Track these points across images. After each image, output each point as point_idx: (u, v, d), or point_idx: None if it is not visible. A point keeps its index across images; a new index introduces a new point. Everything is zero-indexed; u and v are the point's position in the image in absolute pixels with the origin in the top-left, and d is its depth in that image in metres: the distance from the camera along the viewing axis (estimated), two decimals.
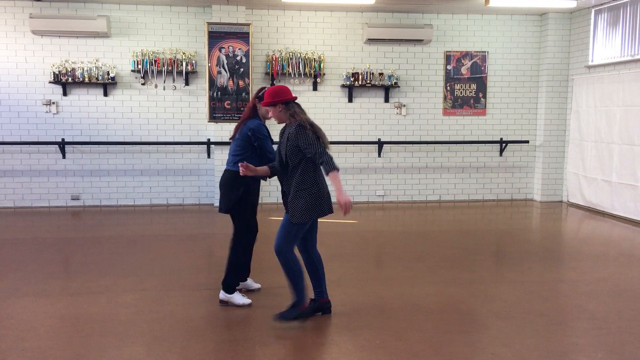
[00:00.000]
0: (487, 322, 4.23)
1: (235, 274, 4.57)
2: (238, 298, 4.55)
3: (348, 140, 9.52)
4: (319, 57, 9.26)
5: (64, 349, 3.71)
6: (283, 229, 4.04)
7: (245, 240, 4.62)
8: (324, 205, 4.02)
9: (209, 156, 9.25)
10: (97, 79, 8.85)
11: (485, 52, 9.73)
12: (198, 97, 9.21)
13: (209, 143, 9.09)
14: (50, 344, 3.78)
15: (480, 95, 9.78)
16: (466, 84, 9.74)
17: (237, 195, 4.51)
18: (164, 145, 9.21)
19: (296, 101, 4.15)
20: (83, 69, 8.81)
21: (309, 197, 3.97)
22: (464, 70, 9.70)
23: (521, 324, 4.19)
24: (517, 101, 9.92)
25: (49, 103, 8.89)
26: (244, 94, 8.95)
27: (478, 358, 3.64)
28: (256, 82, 9.19)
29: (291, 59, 9.18)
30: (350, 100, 9.48)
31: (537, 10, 9.41)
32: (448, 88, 9.71)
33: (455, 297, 4.80)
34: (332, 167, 3.89)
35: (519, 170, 10.07)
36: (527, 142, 9.91)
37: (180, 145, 9.22)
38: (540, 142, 9.89)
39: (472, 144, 9.86)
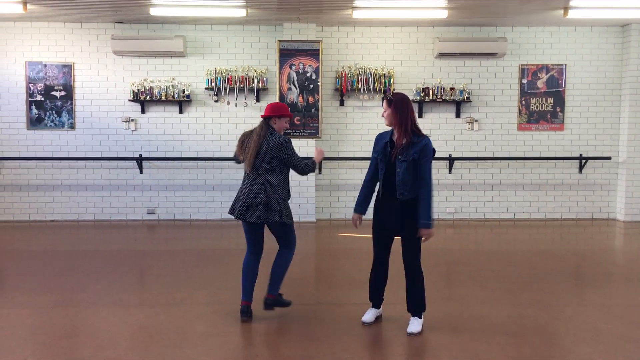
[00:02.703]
0: (573, 348, 3.98)
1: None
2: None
3: None
4: (389, 73, 9.20)
5: (143, 358, 3.78)
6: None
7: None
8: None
9: None
10: (173, 96, 9.15)
11: (562, 65, 9.37)
12: None
13: None
14: (129, 354, 3.86)
15: (558, 109, 9.41)
16: (542, 97, 9.39)
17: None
18: (235, 161, 9.36)
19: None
20: (160, 87, 9.15)
21: None
22: (540, 84, 9.37)
23: (611, 350, 3.92)
24: (598, 115, 9.46)
25: (128, 120, 9.27)
26: (313, 110, 9.00)
27: None
28: (326, 98, 9.23)
29: (361, 74, 9.17)
30: (420, 116, 9.35)
31: (619, 21, 8.99)
32: (523, 102, 9.40)
33: (537, 319, 4.56)
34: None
35: (600, 188, 9.57)
36: (609, 158, 9.42)
37: None
38: (623, 158, 9.38)
39: (549, 160, 9.47)
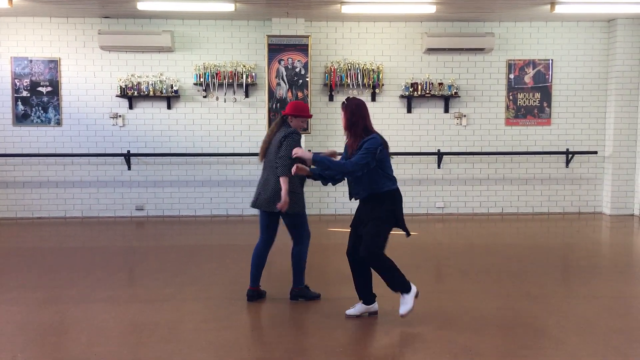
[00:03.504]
0: (563, 339, 4.02)
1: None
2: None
3: (407, 151, 9.39)
4: (378, 68, 9.21)
5: (134, 354, 3.76)
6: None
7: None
8: None
9: None
10: (161, 92, 9.09)
11: (549, 60, 9.43)
12: (257, 109, 9.32)
13: None
14: (120, 350, 3.84)
15: (545, 104, 9.48)
16: (530, 93, 9.46)
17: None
18: (224, 157, 9.35)
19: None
20: (148, 83, 9.08)
21: None
22: (527, 79, 9.43)
23: (599, 341, 3.97)
24: (584, 110, 9.55)
25: (116, 116, 9.20)
26: None
27: None
28: (315, 93, 9.23)
29: (350, 70, 9.17)
30: (409, 111, 9.37)
31: (605, 16, 9.06)
32: (511, 97, 9.46)
33: (527, 312, 4.60)
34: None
35: (586, 182, 9.66)
36: (596, 152, 9.51)
37: (240, 157, 9.33)
38: (609, 152, 9.48)
39: (537, 155, 9.54)
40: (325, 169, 4.26)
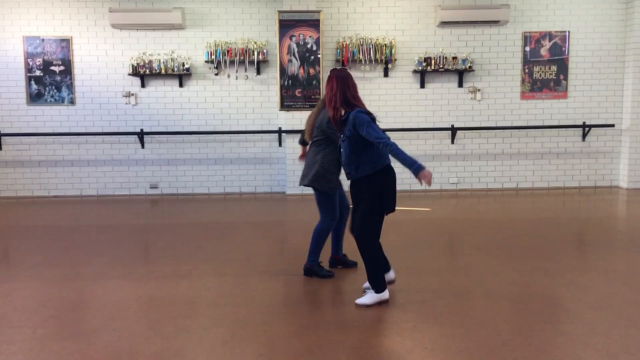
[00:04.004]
0: (579, 313, 4.01)
1: None
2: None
3: (420, 127, 9.32)
4: (390, 43, 9.10)
5: (153, 329, 3.81)
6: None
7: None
8: None
9: (280, 144, 9.31)
10: (172, 70, 9.08)
11: (566, 32, 9.26)
12: (269, 85, 9.27)
13: (280, 132, 9.14)
14: (139, 325, 3.89)
15: (561, 77, 9.32)
16: (546, 65, 9.31)
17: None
18: (237, 134, 9.35)
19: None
20: (160, 61, 9.06)
21: None
22: (543, 51, 9.27)
23: (616, 315, 3.95)
24: (601, 83, 9.39)
25: (128, 95, 9.21)
26: (314, 82, 8.93)
27: (572, 348, 3.45)
28: (327, 69, 9.15)
29: (362, 45, 9.08)
30: (422, 86, 9.27)
31: None
32: (526, 70, 9.32)
33: (542, 286, 4.58)
34: None
35: (603, 156, 9.55)
36: (613, 125, 9.37)
37: (252, 134, 9.33)
38: (627, 125, 9.33)
39: (553, 129, 9.43)
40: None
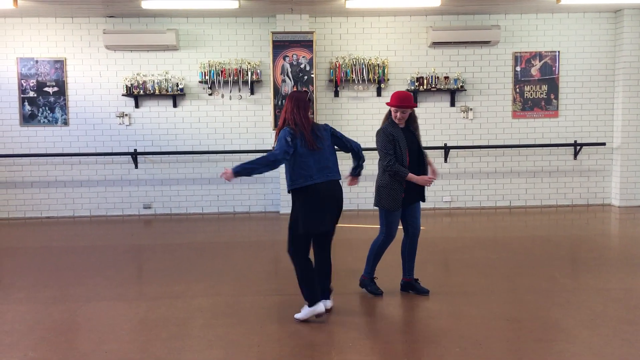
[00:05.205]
0: (573, 332, 4.00)
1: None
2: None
3: None
4: (383, 63, 9.18)
5: (145, 351, 3.78)
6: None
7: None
8: None
9: None
10: (166, 90, 9.11)
11: (556, 51, 9.37)
12: (263, 105, 9.31)
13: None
14: (131, 347, 3.86)
15: (552, 96, 9.42)
16: (537, 85, 9.40)
17: None
18: (231, 154, 9.35)
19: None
20: (154, 82, 9.09)
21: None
22: (534, 71, 9.38)
23: (610, 333, 3.95)
24: (592, 102, 9.48)
25: (122, 115, 9.22)
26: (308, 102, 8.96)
27: None
28: (320, 89, 9.21)
29: (355, 65, 9.15)
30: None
31: (611, 7, 8.99)
32: (517, 90, 9.41)
33: (536, 305, 4.58)
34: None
35: (595, 174, 9.61)
36: (604, 144, 9.45)
37: (246, 154, 9.32)
38: (618, 144, 9.41)
39: (544, 147, 9.49)
40: (251, 172, 4.27)
